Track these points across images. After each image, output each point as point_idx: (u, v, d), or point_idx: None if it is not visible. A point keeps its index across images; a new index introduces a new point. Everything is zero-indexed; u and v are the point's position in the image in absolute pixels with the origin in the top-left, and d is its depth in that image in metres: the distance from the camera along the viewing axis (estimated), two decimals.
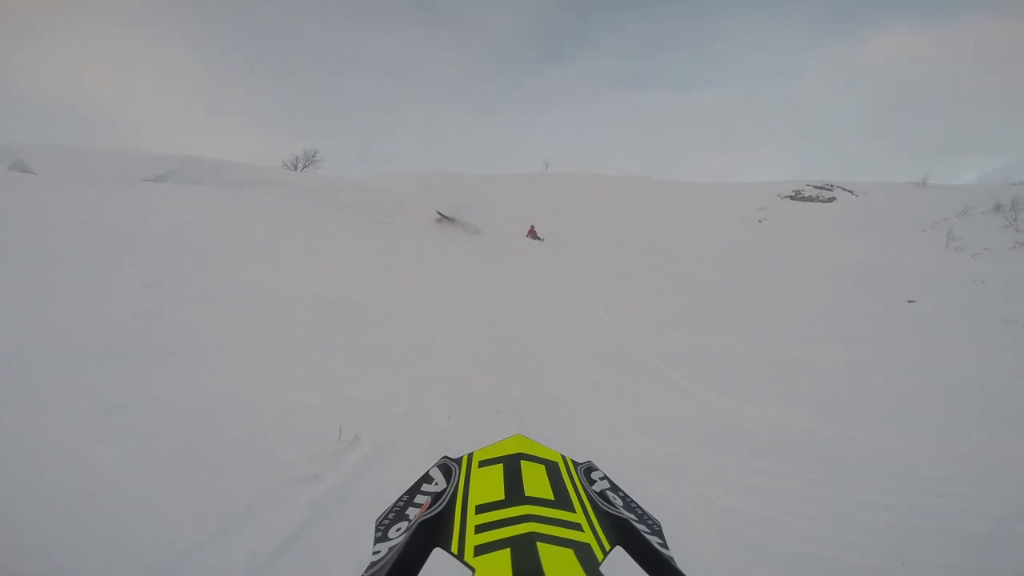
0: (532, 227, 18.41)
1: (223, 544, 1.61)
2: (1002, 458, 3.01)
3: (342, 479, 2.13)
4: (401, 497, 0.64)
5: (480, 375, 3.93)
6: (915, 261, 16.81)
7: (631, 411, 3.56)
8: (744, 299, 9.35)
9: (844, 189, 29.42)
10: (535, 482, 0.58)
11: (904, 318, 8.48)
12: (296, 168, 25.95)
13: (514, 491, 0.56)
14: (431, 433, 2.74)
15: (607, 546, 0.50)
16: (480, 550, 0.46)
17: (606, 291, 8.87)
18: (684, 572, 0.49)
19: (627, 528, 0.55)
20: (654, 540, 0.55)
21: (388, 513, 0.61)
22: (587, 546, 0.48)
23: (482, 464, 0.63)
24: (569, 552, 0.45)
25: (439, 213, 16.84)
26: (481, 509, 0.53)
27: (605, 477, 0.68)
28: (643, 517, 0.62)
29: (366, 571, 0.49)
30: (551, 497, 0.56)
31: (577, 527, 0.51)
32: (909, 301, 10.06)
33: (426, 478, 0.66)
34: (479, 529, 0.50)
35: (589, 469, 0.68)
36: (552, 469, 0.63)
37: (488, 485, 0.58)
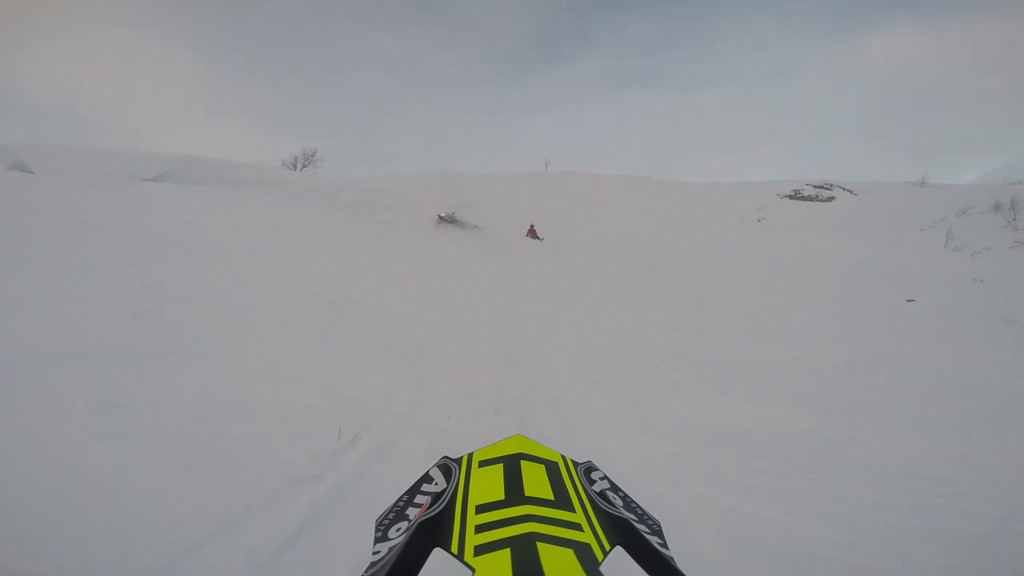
0: (532, 227, 18.39)
1: (223, 544, 1.61)
2: (1002, 458, 3.01)
3: (342, 479, 2.13)
4: (401, 497, 0.64)
5: (480, 375, 3.93)
6: (914, 261, 16.81)
7: (631, 411, 3.56)
8: (744, 299, 9.35)
9: (843, 188, 29.42)
10: (535, 482, 0.58)
11: (904, 318, 8.48)
12: (295, 168, 25.94)
13: (514, 491, 0.56)
14: (431, 433, 2.74)
15: (607, 546, 0.50)
16: (480, 550, 0.46)
17: (606, 291, 8.87)
18: (684, 572, 0.49)
19: (627, 528, 0.55)
20: (654, 540, 0.55)
21: (388, 513, 0.61)
22: (587, 546, 0.48)
23: (482, 464, 0.63)
24: (569, 552, 0.45)
25: (440, 215, 16.78)
26: (481, 509, 0.53)
27: (605, 477, 0.68)
28: (643, 517, 0.62)
29: (366, 571, 0.49)
30: (551, 497, 0.56)
31: (577, 527, 0.51)
32: (908, 300, 10.06)
33: (426, 478, 0.66)
34: (479, 529, 0.50)
35: (589, 469, 0.68)
36: (552, 469, 0.63)
37: (488, 485, 0.58)
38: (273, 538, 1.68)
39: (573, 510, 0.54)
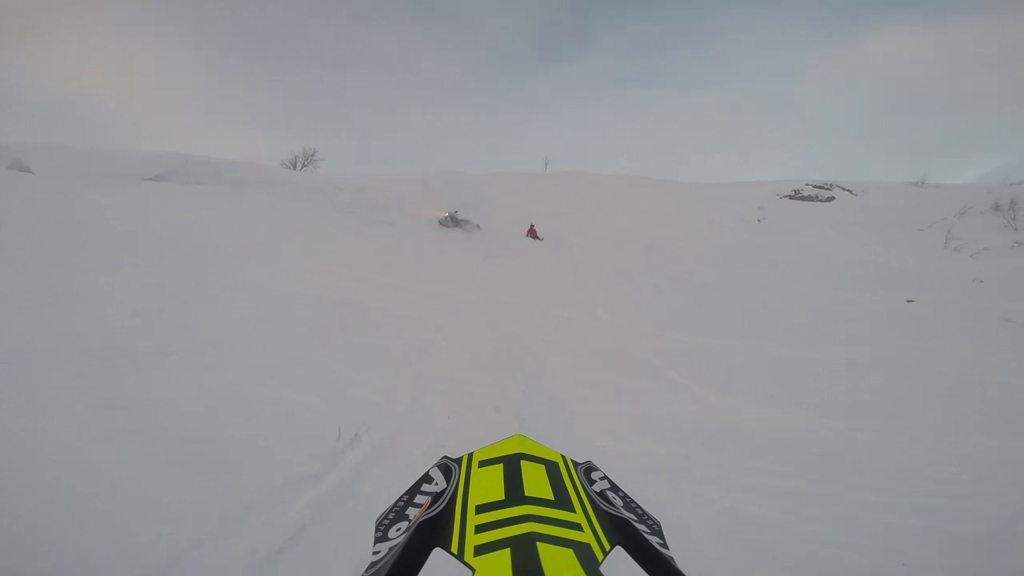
0: (532, 227, 18.39)
1: (223, 543, 1.61)
2: (1002, 458, 3.01)
3: (342, 479, 2.13)
4: (401, 497, 0.64)
5: (480, 375, 3.93)
6: (914, 261, 16.81)
7: (631, 411, 3.56)
8: (744, 299, 9.35)
9: (843, 188, 29.42)
10: (535, 482, 0.58)
11: (904, 318, 8.48)
12: (295, 168, 25.93)
13: (514, 491, 0.56)
14: (431, 433, 2.74)
15: (607, 546, 0.50)
16: (480, 550, 0.46)
17: (606, 291, 8.87)
18: (684, 572, 0.49)
19: (627, 528, 0.55)
20: (654, 540, 0.55)
21: (388, 513, 0.61)
22: (587, 546, 0.48)
23: (482, 464, 0.63)
24: (569, 552, 0.45)
25: (446, 216, 16.66)
26: (481, 509, 0.53)
27: (605, 477, 0.68)
28: (643, 517, 0.62)
29: (366, 571, 0.49)
30: (551, 497, 0.56)
31: (577, 527, 0.51)
32: (908, 301, 10.06)
33: (426, 478, 0.66)
34: (479, 529, 0.50)
35: (589, 469, 0.68)
36: (552, 469, 0.63)
37: (488, 485, 0.58)
38: (273, 538, 1.68)
39: (573, 510, 0.54)
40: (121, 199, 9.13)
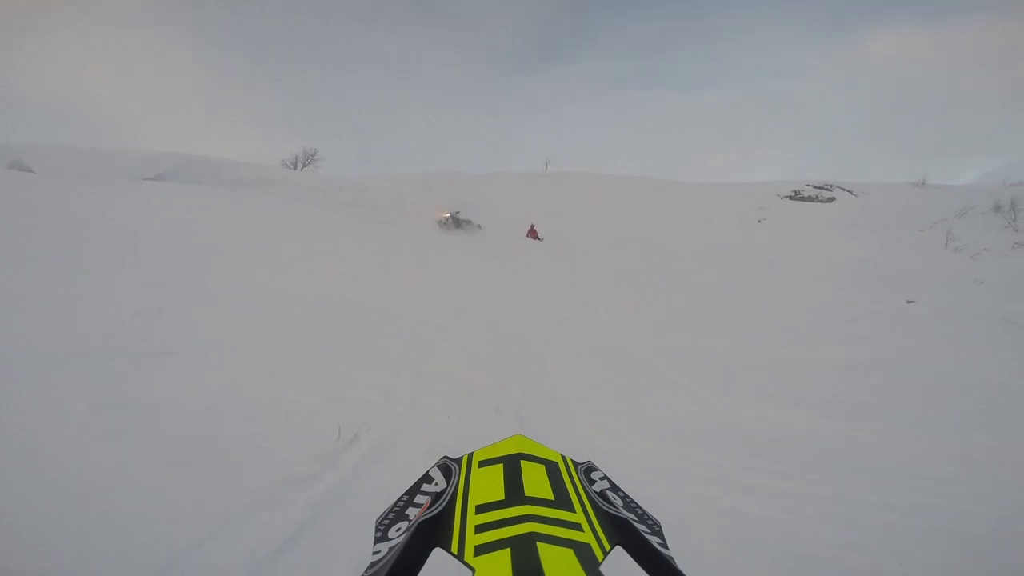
0: (532, 227, 18.37)
1: (223, 543, 1.61)
2: (1002, 458, 3.01)
3: (341, 479, 2.13)
4: (401, 497, 0.64)
5: (480, 375, 3.93)
6: (915, 261, 16.81)
7: (631, 411, 3.56)
8: (744, 299, 9.35)
9: (843, 189, 29.42)
10: (535, 482, 0.58)
11: (904, 318, 8.48)
12: (295, 167, 25.94)
13: (514, 491, 0.56)
14: (431, 433, 2.74)
15: (607, 546, 0.50)
16: (480, 550, 0.46)
17: (606, 291, 8.87)
18: (684, 572, 0.49)
19: (627, 528, 0.55)
20: (654, 540, 0.55)
21: (388, 513, 0.61)
22: (587, 546, 0.48)
23: (482, 464, 0.63)
24: (569, 552, 0.45)
25: (447, 217, 16.48)
26: (481, 509, 0.53)
27: (605, 477, 0.68)
28: (643, 517, 0.62)
29: (366, 571, 0.49)
30: (551, 497, 0.56)
31: (577, 527, 0.51)
32: (908, 301, 10.06)
33: (426, 478, 0.66)
34: (479, 529, 0.50)
35: (589, 469, 0.68)
36: (552, 469, 0.62)
37: (488, 485, 0.58)
38: (273, 538, 1.68)
39: (573, 510, 0.54)
40: (121, 199, 9.13)
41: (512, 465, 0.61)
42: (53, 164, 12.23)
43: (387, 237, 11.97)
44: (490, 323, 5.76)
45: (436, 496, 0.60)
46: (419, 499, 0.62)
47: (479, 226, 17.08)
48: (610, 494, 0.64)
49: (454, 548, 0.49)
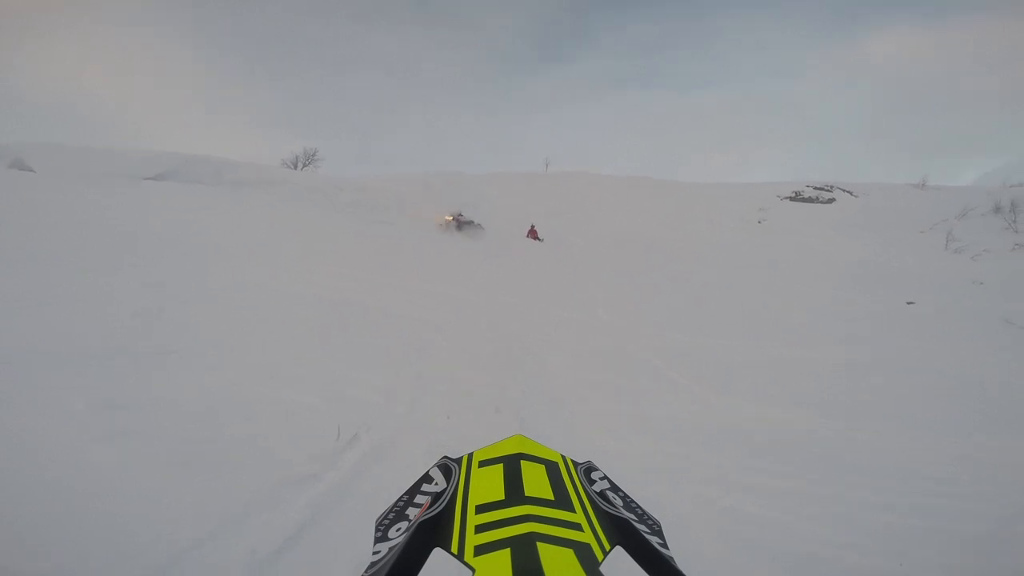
0: (532, 227, 18.36)
1: (223, 543, 1.61)
2: (1002, 458, 3.01)
3: (341, 479, 2.13)
4: (401, 497, 0.64)
5: (480, 375, 3.93)
6: (915, 262, 16.82)
7: (631, 411, 3.56)
8: (744, 299, 9.35)
9: (843, 190, 29.44)
10: (535, 482, 0.58)
11: (904, 318, 8.48)
12: (296, 167, 25.94)
13: (514, 491, 0.56)
14: (431, 433, 2.74)
15: (607, 546, 0.50)
16: (480, 550, 0.46)
17: (606, 291, 8.87)
18: (684, 572, 0.49)
19: (627, 528, 0.55)
20: (654, 540, 0.55)
21: (388, 513, 0.61)
22: (587, 546, 0.48)
23: (482, 464, 0.63)
24: (569, 552, 0.45)
25: (450, 219, 16.28)
26: (481, 509, 0.53)
27: (605, 477, 0.68)
28: (643, 517, 0.62)
29: (366, 571, 0.49)
30: (551, 497, 0.56)
31: (577, 527, 0.51)
32: (908, 302, 10.06)
33: (426, 478, 0.66)
34: (479, 529, 0.50)
35: (589, 469, 0.68)
36: (552, 469, 0.62)
37: (488, 485, 0.58)
38: (273, 538, 1.68)
39: (573, 510, 0.54)
40: (121, 199, 9.13)
41: (512, 465, 0.61)
42: (53, 164, 12.22)
43: (387, 237, 11.97)
44: (490, 323, 5.76)
45: (436, 496, 0.60)
46: (419, 499, 0.62)
47: (480, 226, 17.01)
48: (610, 494, 0.64)
49: (454, 548, 0.49)
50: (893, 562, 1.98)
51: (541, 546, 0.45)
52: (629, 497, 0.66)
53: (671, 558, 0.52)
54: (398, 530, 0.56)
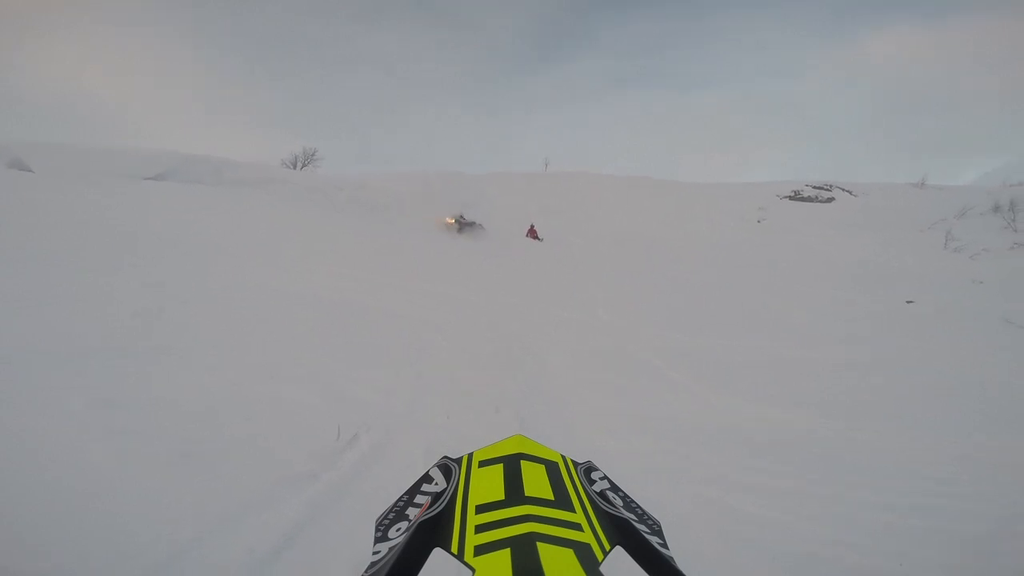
0: (532, 226, 18.36)
1: (223, 543, 1.61)
2: (1002, 458, 3.02)
3: (340, 478, 2.13)
4: (401, 497, 0.64)
5: (480, 375, 3.93)
6: (914, 261, 16.82)
7: (631, 411, 3.56)
8: (744, 299, 9.35)
9: (843, 189, 29.43)
10: (535, 482, 0.58)
11: (904, 318, 8.48)
12: (295, 167, 25.93)
13: (514, 491, 0.56)
14: (431, 432, 2.74)
15: (607, 546, 0.50)
16: (480, 550, 0.46)
17: (606, 291, 8.87)
18: (684, 572, 0.49)
19: (627, 528, 0.55)
20: (654, 540, 0.55)
21: (388, 513, 0.61)
22: (587, 546, 0.48)
23: (482, 464, 0.63)
24: (569, 552, 0.45)
25: (453, 222, 16.22)
26: (481, 509, 0.53)
27: (605, 477, 0.68)
28: (643, 517, 0.62)
29: (366, 571, 0.49)
30: (551, 497, 0.56)
31: (577, 527, 0.51)
32: (908, 302, 10.06)
33: (426, 478, 0.66)
34: (479, 529, 0.50)
35: (589, 469, 0.68)
36: (552, 469, 0.62)
37: (488, 485, 0.58)
38: (272, 537, 1.68)
39: (573, 510, 0.54)
40: (121, 199, 9.12)
41: (512, 465, 0.61)
42: (53, 163, 12.21)
43: (387, 237, 11.97)
44: (490, 323, 5.76)
45: (436, 496, 0.60)
46: (419, 499, 0.62)
47: (481, 226, 16.97)
48: (610, 494, 0.64)
49: (454, 548, 0.49)
50: (893, 562, 1.98)
51: (541, 546, 0.45)
52: (629, 497, 0.66)
53: (671, 558, 0.52)
54: (398, 530, 0.56)
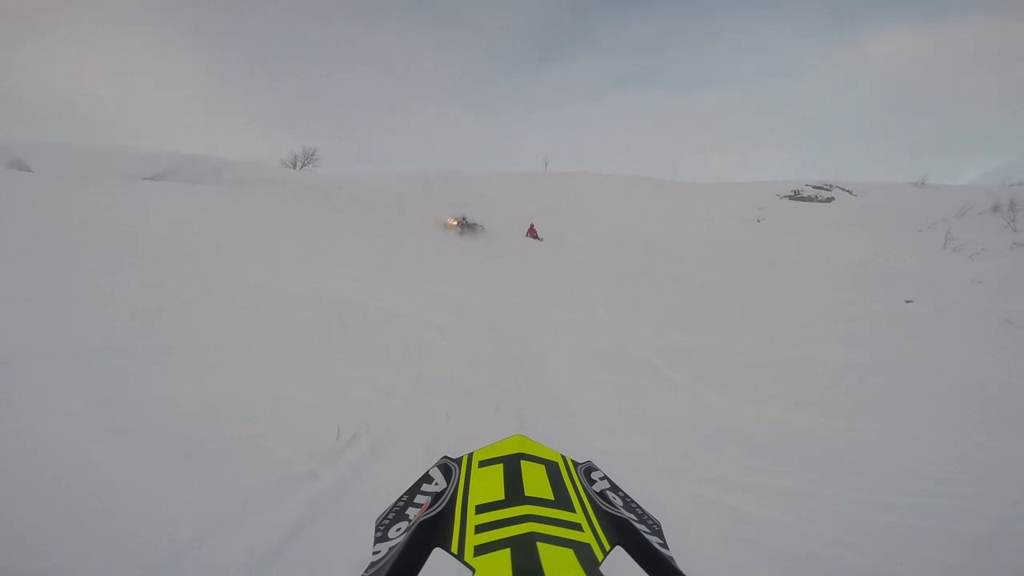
0: (532, 226, 18.37)
1: (222, 542, 1.61)
2: (1002, 458, 3.02)
3: (340, 477, 2.13)
4: (401, 497, 0.64)
5: (480, 375, 3.93)
6: (914, 261, 16.82)
7: (631, 411, 3.56)
8: (744, 299, 9.35)
9: (843, 189, 29.43)
10: (535, 482, 0.58)
11: (904, 318, 8.48)
12: (295, 167, 25.93)
13: (514, 491, 0.56)
14: (430, 432, 2.74)
15: (607, 546, 0.50)
16: (480, 550, 0.46)
17: (606, 291, 8.88)
18: (684, 572, 0.49)
19: (627, 528, 0.55)
20: (654, 540, 0.55)
21: (388, 513, 0.61)
22: (587, 546, 0.48)
23: (482, 464, 0.63)
24: (569, 552, 0.45)
25: (456, 223, 16.21)
26: (481, 509, 0.53)
27: (605, 477, 0.68)
28: (643, 517, 0.62)
29: (366, 571, 0.49)
30: (551, 497, 0.56)
31: (577, 527, 0.51)
32: (907, 301, 10.06)
33: (426, 478, 0.66)
34: (479, 529, 0.50)
35: (589, 469, 0.68)
36: (552, 469, 0.62)
37: (488, 485, 0.58)
38: (271, 537, 1.68)
39: (573, 510, 0.54)
40: (121, 199, 9.12)
41: (512, 465, 0.61)
42: (52, 163, 12.21)
43: (387, 237, 11.97)
44: (490, 323, 5.76)
45: (436, 496, 0.60)
46: (419, 499, 0.62)
47: (482, 226, 16.97)
48: (610, 494, 0.64)
49: (454, 548, 0.49)
50: (893, 562, 1.98)
51: (541, 546, 0.45)
52: (629, 497, 0.66)
53: (671, 558, 0.52)
54: (398, 530, 0.56)
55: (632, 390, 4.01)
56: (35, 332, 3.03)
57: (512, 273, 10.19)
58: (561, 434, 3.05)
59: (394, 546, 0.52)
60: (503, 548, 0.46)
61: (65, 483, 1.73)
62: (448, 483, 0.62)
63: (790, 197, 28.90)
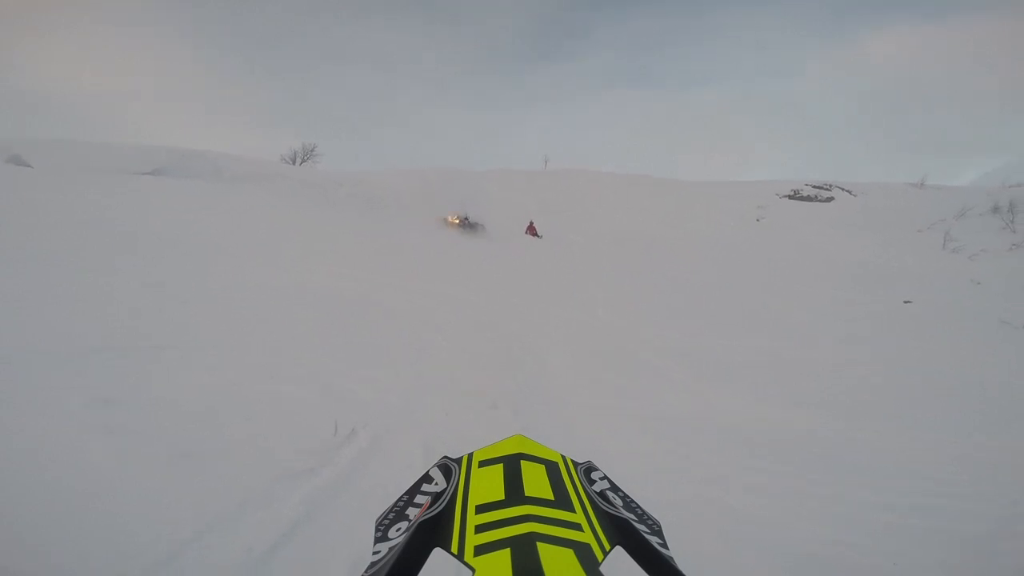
0: (531, 224, 18.38)
1: (222, 542, 1.61)
2: (1002, 458, 3.02)
3: (339, 476, 2.13)
4: (401, 497, 0.64)
5: (480, 374, 3.93)
6: (913, 261, 16.82)
7: (631, 411, 3.56)
8: (744, 299, 9.35)
9: (842, 189, 29.44)
10: (535, 482, 0.58)
11: (904, 318, 8.49)
12: (295, 163, 25.91)
13: (514, 491, 0.56)
14: (430, 431, 2.74)
15: (607, 546, 0.50)
16: (480, 550, 0.46)
17: (606, 290, 8.88)
18: (684, 572, 0.49)
19: (627, 528, 0.55)
20: (654, 540, 0.55)
21: (388, 513, 0.61)
22: (587, 546, 0.48)
23: (482, 464, 0.63)
24: (569, 552, 0.45)
25: (457, 222, 16.22)
26: (481, 509, 0.53)
27: (605, 477, 0.68)
28: (643, 517, 0.62)
29: (366, 571, 0.49)
30: (551, 497, 0.56)
31: (577, 527, 0.51)
32: (905, 302, 10.06)
33: (426, 478, 0.66)
34: (479, 529, 0.50)
35: (589, 469, 0.68)
36: (552, 469, 0.62)
37: (488, 485, 0.58)
38: (270, 536, 1.68)
39: (573, 510, 0.54)
40: (121, 198, 9.12)
41: (512, 465, 0.61)
42: (51, 159, 12.20)
43: (387, 236, 11.97)
44: (490, 323, 5.76)
45: (436, 496, 0.60)
46: (419, 499, 0.62)
47: (482, 226, 16.96)
48: (610, 494, 0.64)
49: (454, 548, 0.49)
50: (893, 562, 1.98)
51: (541, 546, 0.45)
52: (629, 497, 0.66)
53: (671, 558, 0.52)
54: (398, 530, 0.56)
55: (632, 390, 4.01)
56: (35, 332, 3.03)
57: (512, 273, 10.19)
58: (561, 434, 3.05)
59: (394, 546, 0.52)
60: (503, 548, 0.46)
61: (65, 483, 1.73)
62: (448, 483, 0.62)
63: (790, 197, 28.90)
